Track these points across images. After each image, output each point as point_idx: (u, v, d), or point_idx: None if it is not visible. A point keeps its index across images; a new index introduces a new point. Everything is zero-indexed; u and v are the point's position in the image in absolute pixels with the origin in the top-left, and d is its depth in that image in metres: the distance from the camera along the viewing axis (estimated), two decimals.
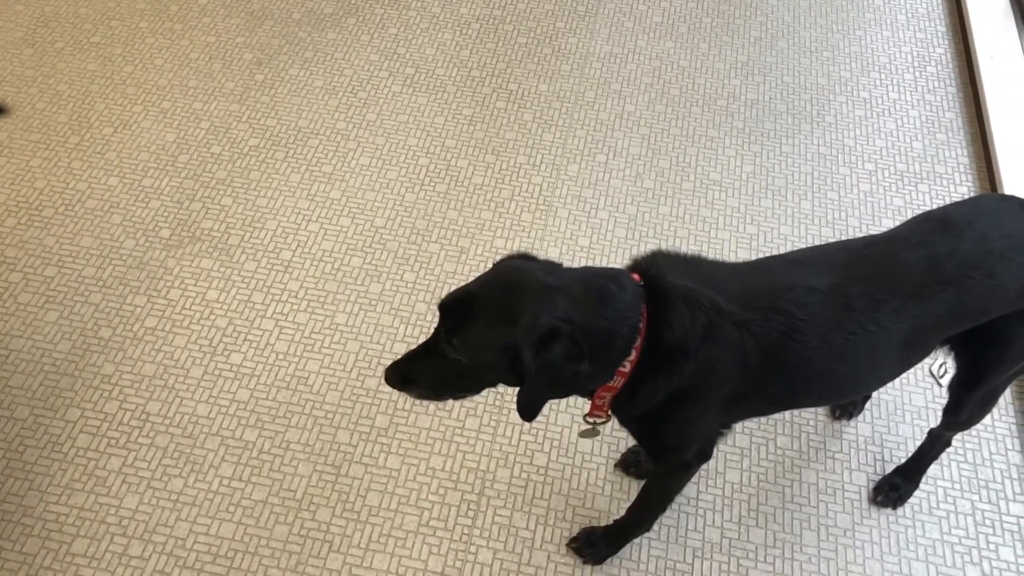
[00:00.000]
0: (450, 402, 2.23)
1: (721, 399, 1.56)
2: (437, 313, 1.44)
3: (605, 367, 1.44)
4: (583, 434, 1.76)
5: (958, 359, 1.78)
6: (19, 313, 2.42)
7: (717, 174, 2.87)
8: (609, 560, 1.99)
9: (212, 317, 2.42)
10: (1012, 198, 1.69)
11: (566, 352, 1.34)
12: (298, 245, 2.61)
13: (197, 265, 2.55)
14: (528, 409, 1.41)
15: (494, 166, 2.87)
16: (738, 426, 2.23)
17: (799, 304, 1.49)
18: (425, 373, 1.47)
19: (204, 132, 2.93)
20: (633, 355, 1.44)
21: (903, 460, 2.14)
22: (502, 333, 1.36)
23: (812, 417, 2.26)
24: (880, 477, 2.15)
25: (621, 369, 1.45)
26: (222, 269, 2.54)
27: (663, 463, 1.76)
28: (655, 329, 1.43)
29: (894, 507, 2.10)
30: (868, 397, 2.27)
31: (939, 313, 1.54)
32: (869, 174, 2.88)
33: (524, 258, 1.51)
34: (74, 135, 2.90)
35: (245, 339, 2.38)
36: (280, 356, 2.34)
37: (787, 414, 2.26)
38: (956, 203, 1.73)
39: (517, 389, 1.42)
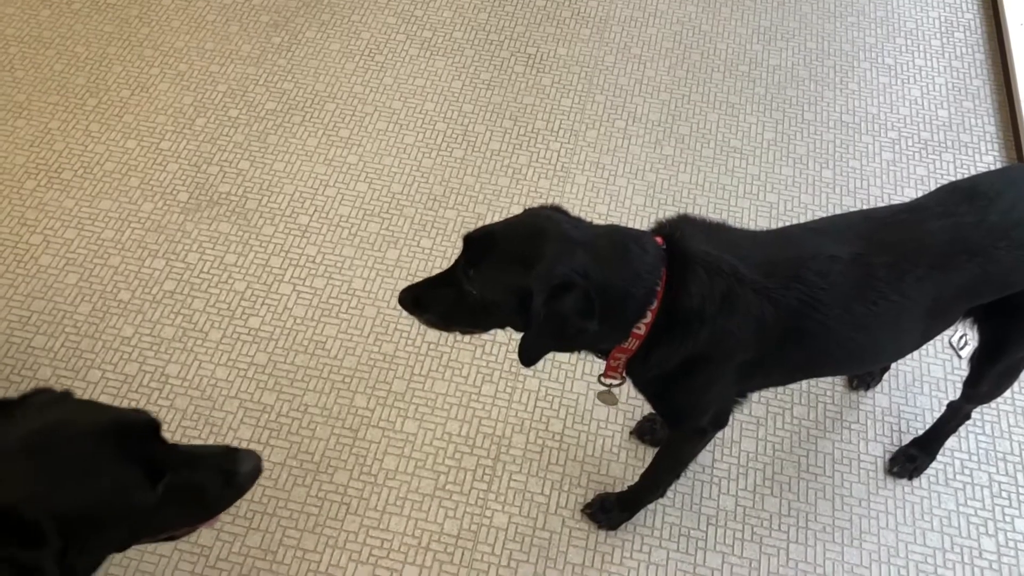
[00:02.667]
0: (457, 336, 2.23)
1: (737, 367, 1.56)
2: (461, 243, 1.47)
3: (617, 327, 1.44)
4: (600, 397, 1.76)
5: (980, 331, 1.77)
6: (40, 275, 2.43)
7: (738, 141, 2.84)
8: (623, 526, 2.00)
9: (230, 281, 2.43)
10: None
11: (576, 306, 1.35)
12: (315, 210, 2.61)
13: (215, 229, 2.56)
14: (528, 354, 1.42)
15: (512, 131, 2.85)
16: (754, 396, 2.22)
17: (821, 273, 1.48)
18: (438, 301, 1.49)
19: (221, 95, 2.92)
20: (648, 317, 1.44)
21: (920, 432, 2.14)
22: (517, 274, 1.37)
23: (829, 387, 2.25)
24: (896, 448, 2.15)
25: (636, 331, 1.45)
26: (240, 233, 2.55)
27: (678, 428, 1.76)
28: (673, 293, 1.43)
29: (910, 478, 2.10)
30: (887, 368, 2.26)
31: (963, 284, 1.52)
32: (892, 143, 2.84)
33: (554, 209, 1.51)
34: (92, 97, 2.90)
35: (263, 303, 2.39)
36: (298, 320, 2.35)
37: (804, 384, 2.25)
38: (984, 173, 1.70)
39: (518, 348, 1.43)
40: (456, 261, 1.48)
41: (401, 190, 2.67)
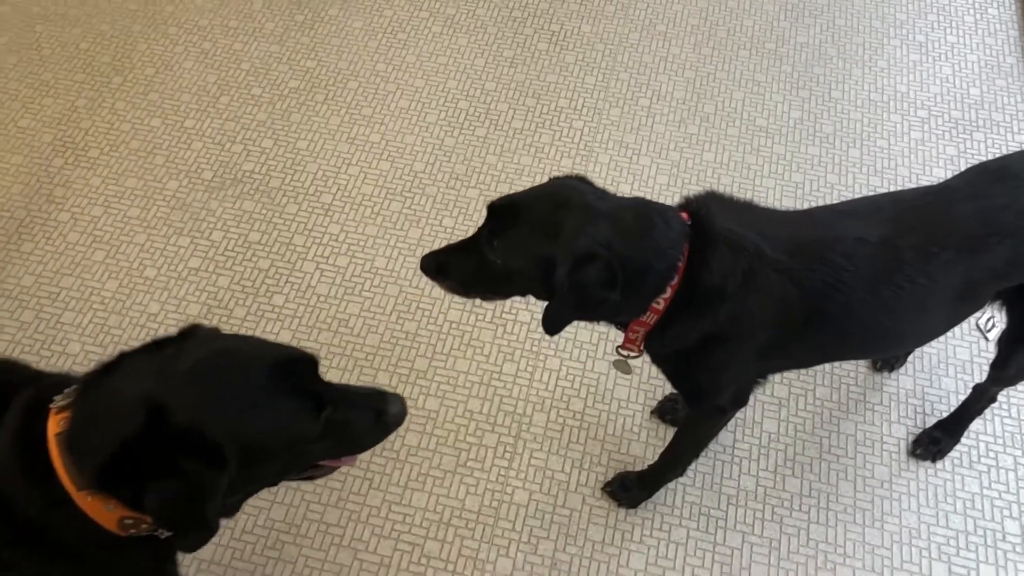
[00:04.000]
0: (477, 310, 2.31)
1: (757, 346, 1.55)
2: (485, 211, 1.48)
3: (637, 300, 1.44)
4: (616, 365, 1.76)
5: (1009, 313, 1.74)
6: (68, 252, 2.47)
7: (763, 120, 2.80)
8: (643, 504, 2.01)
9: (255, 259, 2.45)
10: None
11: (599, 277, 1.36)
12: (338, 188, 2.62)
13: (239, 207, 2.57)
14: (552, 324, 1.44)
15: (534, 110, 2.83)
16: (776, 376, 2.21)
17: (847, 256, 1.47)
18: (460, 268, 1.51)
19: (245, 73, 2.93)
20: (668, 292, 1.44)
21: (945, 414, 2.12)
22: (541, 244, 1.39)
23: (852, 369, 2.24)
24: (920, 430, 2.13)
25: (655, 305, 1.45)
26: (264, 211, 2.56)
27: (697, 407, 1.76)
28: (694, 269, 1.43)
29: (933, 460, 2.08)
30: (911, 350, 2.24)
31: (993, 266, 1.50)
32: (922, 121, 2.79)
33: (579, 179, 1.51)
34: (117, 75, 2.92)
35: (287, 281, 2.41)
36: (321, 298, 2.37)
37: (827, 365, 2.24)
38: (1015, 153, 1.67)
39: (542, 316, 1.45)
40: (479, 229, 1.49)
41: (423, 169, 2.67)
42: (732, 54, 3.00)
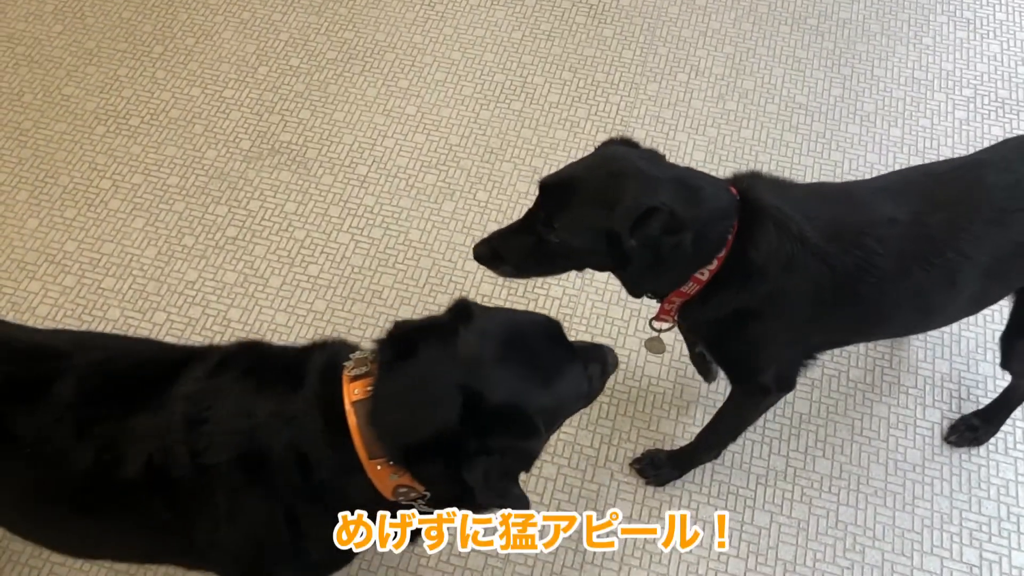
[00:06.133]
0: (513, 288, 2.33)
1: (791, 324, 1.56)
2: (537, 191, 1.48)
3: (685, 267, 1.46)
4: (648, 344, 1.77)
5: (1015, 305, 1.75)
6: (109, 219, 2.51)
7: (803, 97, 2.76)
8: (672, 482, 2.01)
9: (290, 229, 2.48)
10: None
11: (664, 225, 1.37)
12: (374, 160, 2.63)
13: (276, 177, 2.60)
14: (636, 287, 1.49)
15: (571, 84, 2.81)
16: None
17: (879, 239, 1.47)
18: (515, 251, 1.52)
19: (283, 44, 2.94)
20: (714, 265, 1.45)
21: (981, 399, 2.10)
22: (601, 217, 1.40)
23: (887, 351, 2.21)
24: (955, 415, 2.11)
25: (698, 276, 1.46)
26: (300, 182, 2.59)
27: (740, 383, 1.76)
28: (742, 245, 1.44)
29: (969, 447, 2.05)
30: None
31: (1021, 241, 1.49)
32: (967, 100, 2.73)
33: (626, 143, 1.52)
34: (158, 45, 2.95)
35: (322, 251, 2.43)
36: (355, 269, 2.39)
37: (861, 347, 2.22)
38: None
39: (623, 281, 1.49)
40: (532, 210, 1.49)
41: (458, 142, 2.67)
42: (773, 29, 2.95)
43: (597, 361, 1.36)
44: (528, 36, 2.95)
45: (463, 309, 1.25)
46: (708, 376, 2.12)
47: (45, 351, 1.38)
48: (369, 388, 1.19)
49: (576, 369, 1.28)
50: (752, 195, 1.46)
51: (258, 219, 2.51)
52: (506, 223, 1.57)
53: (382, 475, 1.20)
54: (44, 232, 2.48)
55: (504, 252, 1.53)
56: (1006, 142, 1.62)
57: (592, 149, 1.58)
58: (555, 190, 1.46)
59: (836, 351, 2.21)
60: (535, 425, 1.18)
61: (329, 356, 1.27)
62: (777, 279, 1.45)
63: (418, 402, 1.18)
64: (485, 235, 1.59)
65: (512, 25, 2.98)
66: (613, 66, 2.85)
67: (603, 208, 1.40)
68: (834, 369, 2.19)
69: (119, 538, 1.37)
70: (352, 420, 1.18)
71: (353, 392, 1.19)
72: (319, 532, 1.28)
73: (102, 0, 3.07)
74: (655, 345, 1.77)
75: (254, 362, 1.31)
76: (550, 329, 1.28)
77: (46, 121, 2.74)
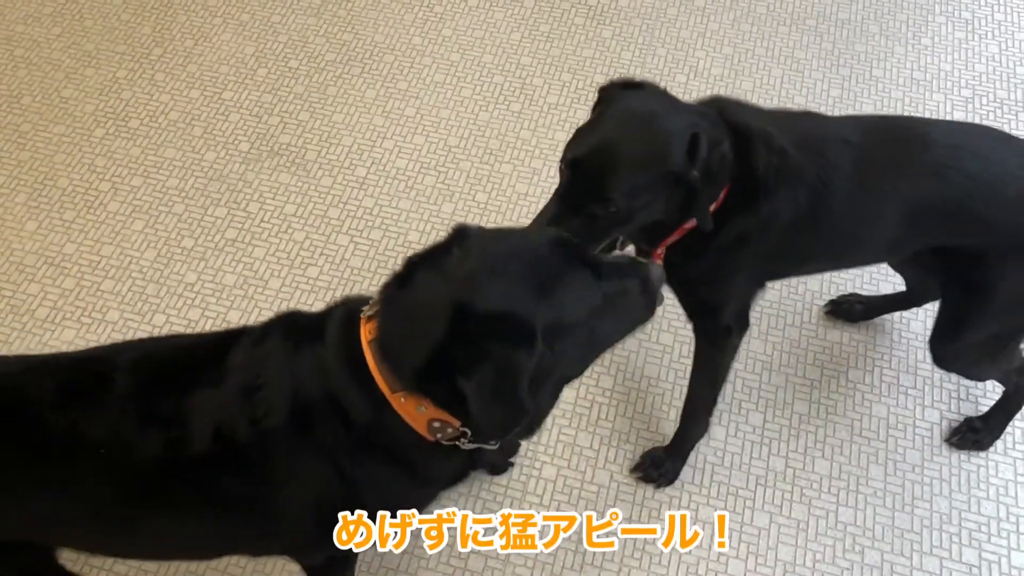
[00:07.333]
0: None
1: (766, 251, 1.63)
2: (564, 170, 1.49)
3: (725, 179, 1.51)
4: None
5: (942, 303, 1.81)
6: (109, 221, 2.51)
7: (802, 98, 2.76)
8: (674, 482, 2.02)
9: (290, 231, 2.48)
10: None
11: (709, 143, 1.43)
12: (373, 162, 2.63)
13: (275, 179, 2.60)
14: (706, 215, 1.50)
15: (570, 85, 2.82)
16: (810, 357, 2.20)
17: (836, 154, 1.56)
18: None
19: (282, 46, 2.94)
20: (721, 197, 1.52)
21: (980, 399, 2.10)
22: (658, 167, 1.43)
23: (886, 351, 2.22)
24: (954, 415, 2.11)
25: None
26: (299, 184, 2.59)
27: (703, 329, 1.79)
28: (741, 169, 1.51)
29: (971, 450, 2.05)
30: (881, 308, 2.23)
31: (949, 196, 1.57)
32: (965, 101, 2.73)
33: (627, 86, 1.55)
34: (157, 47, 2.95)
35: (321, 253, 2.43)
36: (355, 271, 2.39)
37: (862, 347, 2.22)
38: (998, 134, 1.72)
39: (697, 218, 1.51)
40: (565, 190, 1.47)
41: (458, 143, 2.67)
42: (771, 30, 2.95)
43: (630, 276, 1.30)
44: (527, 37, 2.95)
45: (460, 231, 1.26)
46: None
47: (89, 359, 1.42)
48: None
49: (583, 278, 1.23)
50: (728, 116, 1.52)
51: (257, 221, 2.51)
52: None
53: (409, 409, 1.21)
54: (43, 234, 2.48)
55: None
56: (958, 121, 1.77)
57: (601, 85, 1.61)
58: (591, 163, 1.44)
59: (836, 352, 2.22)
60: (529, 330, 1.15)
61: (349, 307, 1.31)
62: (774, 195, 1.52)
63: (413, 325, 1.19)
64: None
65: (511, 27, 2.98)
66: (612, 67, 2.86)
67: (656, 157, 1.42)
68: (833, 370, 2.20)
69: (194, 527, 1.38)
70: (370, 358, 1.22)
71: (368, 333, 1.23)
72: (374, 485, 1.32)
73: (101, 2, 3.07)
74: None
75: (290, 326, 1.35)
76: (557, 242, 1.25)
77: (45, 123, 2.74)
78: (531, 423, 1.30)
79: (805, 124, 1.64)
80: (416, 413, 1.21)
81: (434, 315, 1.16)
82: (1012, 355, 1.85)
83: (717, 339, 1.78)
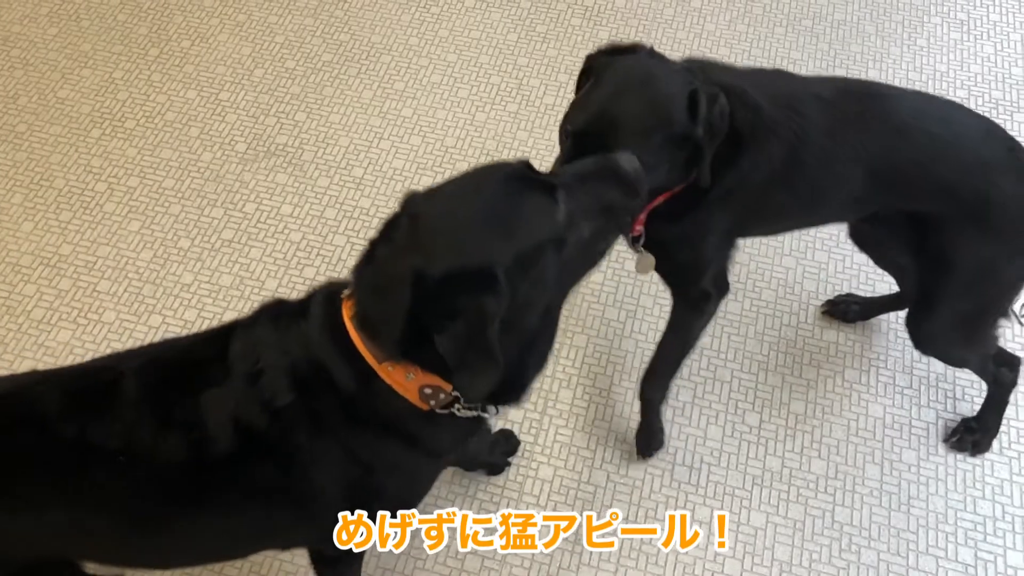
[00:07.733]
0: None
1: (743, 210, 1.65)
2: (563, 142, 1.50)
3: (721, 134, 1.53)
4: (639, 266, 1.76)
5: (914, 281, 1.83)
6: (105, 222, 2.51)
7: None
8: (668, 483, 2.02)
9: (286, 232, 2.48)
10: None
11: (708, 99, 1.46)
12: (370, 163, 2.63)
13: (272, 180, 2.60)
14: (708, 174, 1.52)
15: (567, 86, 2.82)
16: (806, 357, 2.21)
17: (808, 108, 1.60)
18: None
19: (279, 46, 2.94)
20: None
21: (976, 399, 2.10)
22: (662, 129, 1.44)
23: (883, 351, 2.22)
24: (949, 414, 2.12)
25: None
26: (296, 184, 2.59)
27: (682, 292, 1.81)
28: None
29: (972, 454, 2.05)
30: (883, 306, 2.23)
31: (911, 159, 1.61)
32: (961, 102, 2.73)
33: (615, 51, 1.57)
34: (154, 47, 2.95)
35: (318, 254, 2.43)
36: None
37: (858, 347, 2.22)
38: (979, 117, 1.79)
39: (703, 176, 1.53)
40: (564, 160, 1.46)
41: (454, 144, 2.68)
42: (767, 31, 2.96)
43: (597, 177, 1.28)
44: (524, 38, 2.95)
45: (408, 199, 1.27)
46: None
47: (92, 368, 1.43)
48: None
49: (536, 202, 1.21)
50: (706, 76, 1.54)
51: (254, 222, 2.51)
52: None
53: (397, 377, 1.24)
54: (39, 235, 2.48)
55: None
56: (929, 93, 1.85)
57: (589, 52, 1.63)
58: (593, 131, 1.43)
59: (832, 352, 2.22)
60: (488, 273, 1.14)
61: (331, 288, 1.34)
62: (750, 149, 1.55)
63: (382, 298, 1.21)
64: None
65: (508, 27, 2.98)
66: None
67: (658, 120, 1.43)
68: (830, 370, 2.20)
69: (233, 525, 1.39)
70: (353, 333, 1.25)
71: (349, 309, 1.26)
72: (382, 459, 1.35)
73: (97, 3, 3.07)
74: (644, 263, 1.75)
75: (278, 310, 1.38)
76: (510, 175, 1.24)
77: (41, 124, 2.74)
78: (526, 368, 1.32)
79: (778, 81, 1.69)
80: (406, 382, 1.24)
81: (397, 284, 1.18)
82: (986, 339, 1.86)
83: (698, 302, 1.80)
